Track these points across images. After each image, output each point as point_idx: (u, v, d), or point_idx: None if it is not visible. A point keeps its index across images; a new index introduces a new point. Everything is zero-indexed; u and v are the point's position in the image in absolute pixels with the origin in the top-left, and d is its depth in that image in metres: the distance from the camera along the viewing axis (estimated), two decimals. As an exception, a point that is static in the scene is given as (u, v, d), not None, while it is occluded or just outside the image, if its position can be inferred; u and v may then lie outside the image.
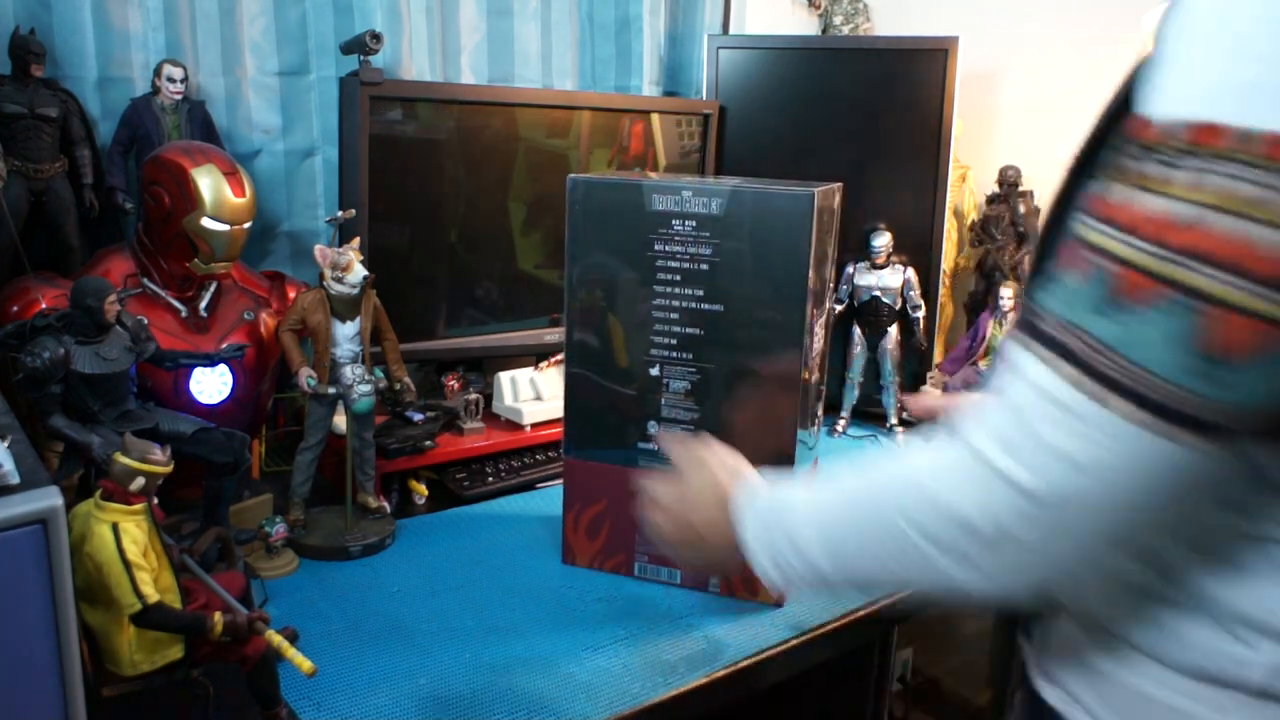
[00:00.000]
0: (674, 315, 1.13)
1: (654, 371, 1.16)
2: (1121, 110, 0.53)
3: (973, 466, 0.54)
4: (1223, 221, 0.44)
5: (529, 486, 1.49)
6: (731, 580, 1.17)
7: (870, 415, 1.80)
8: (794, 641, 1.09)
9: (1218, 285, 0.45)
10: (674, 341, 1.14)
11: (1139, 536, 0.55)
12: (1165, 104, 0.47)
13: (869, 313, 1.77)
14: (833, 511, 0.66)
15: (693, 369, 1.14)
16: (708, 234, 1.10)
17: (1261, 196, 0.43)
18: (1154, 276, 0.46)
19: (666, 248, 1.12)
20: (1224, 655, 0.56)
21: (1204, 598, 0.56)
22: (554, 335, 1.68)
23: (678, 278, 1.12)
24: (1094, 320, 0.49)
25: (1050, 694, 0.66)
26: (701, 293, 1.12)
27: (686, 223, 1.10)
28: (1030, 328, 0.52)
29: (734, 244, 1.09)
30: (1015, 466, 0.52)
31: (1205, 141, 0.45)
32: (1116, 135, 0.50)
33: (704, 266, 1.11)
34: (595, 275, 1.15)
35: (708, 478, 0.80)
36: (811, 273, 1.08)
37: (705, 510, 0.79)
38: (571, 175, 1.15)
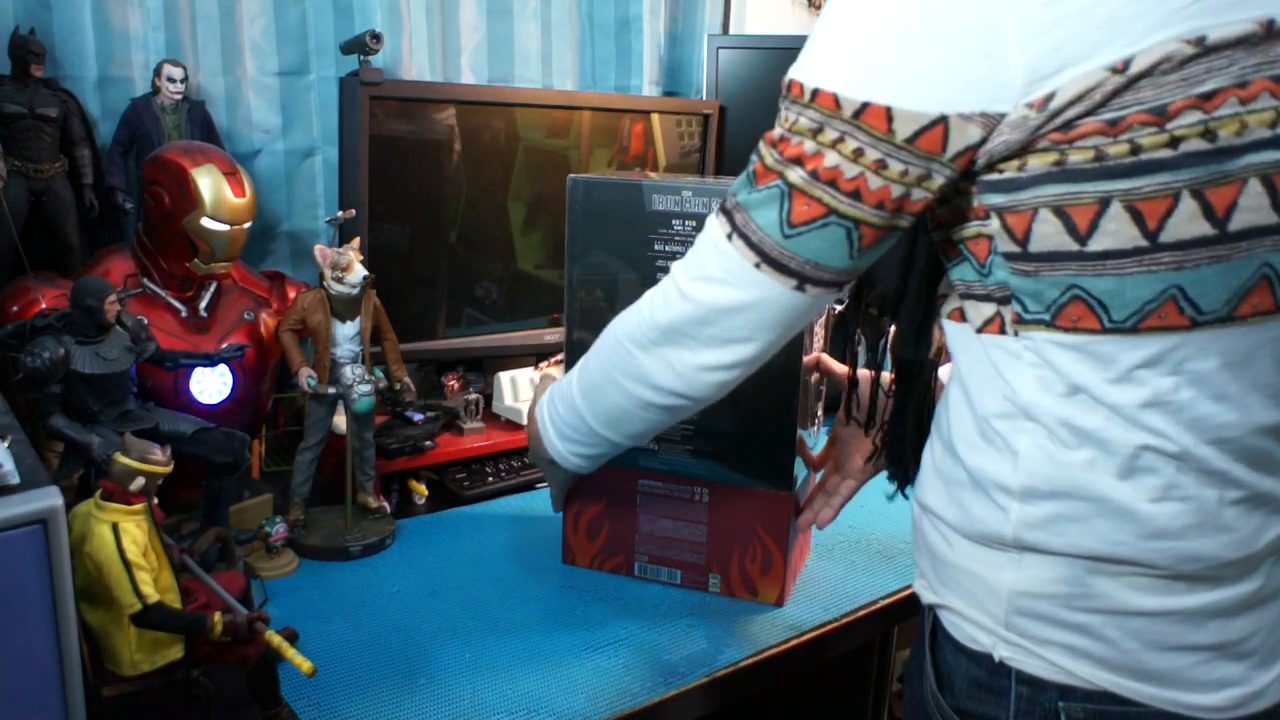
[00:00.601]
0: None
1: None
2: None
3: (668, 286, 0.81)
4: (795, 139, 0.70)
5: (529, 486, 1.49)
6: (731, 580, 1.17)
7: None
8: (794, 641, 1.09)
9: (795, 177, 0.70)
10: None
11: (767, 344, 0.79)
12: (792, 66, 0.71)
13: (869, 314, 1.77)
14: (587, 357, 0.92)
15: None
16: None
17: (811, 126, 0.69)
18: (769, 169, 0.72)
19: (667, 248, 1.12)
20: (991, 520, 0.72)
21: (976, 474, 0.73)
22: (554, 335, 1.68)
23: None
24: (741, 190, 0.74)
25: (917, 583, 0.82)
26: None
27: (687, 223, 1.10)
28: (723, 199, 0.77)
29: None
30: (689, 283, 0.78)
31: (792, 92, 0.70)
32: None
33: None
34: (595, 275, 1.15)
35: (533, 400, 1.06)
36: None
37: (530, 426, 1.04)
38: (571, 175, 1.14)
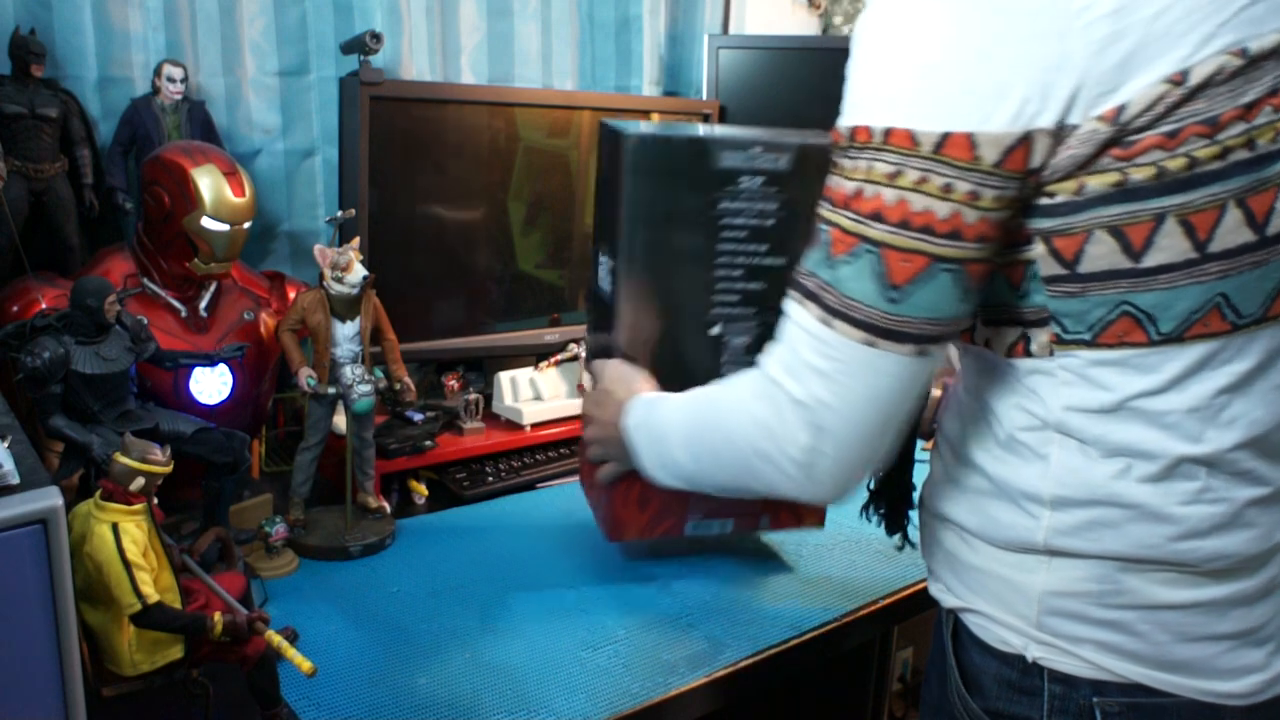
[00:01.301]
0: (737, 273, 1.09)
1: (714, 331, 1.11)
2: None
3: (768, 388, 0.74)
4: (870, 190, 0.65)
5: (529, 486, 1.49)
6: (780, 516, 1.19)
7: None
8: (794, 641, 1.09)
9: (882, 234, 0.65)
10: (736, 299, 1.11)
11: (889, 429, 0.72)
12: (843, 115, 0.68)
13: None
14: (693, 431, 0.86)
15: (754, 323, 1.12)
16: (775, 189, 1.07)
17: (888, 171, 0.64)
18: (849, 233, 0.67)
19: (733, 204, 1.07)
20: (1020, 526, 0.72)
21: (1000, 483, 0.73)
22: (554, 335, 1.68)
23: (743, 234, 1.09)
24: (821, 268, 0.69)
25: (934, 588, 0.83)
26: (765, 248, 1.09)
27: (755, 179, 1.07)
28: (794, 282, 0.72)
29: (801, 196, 1.07)
30: (791, 383, 0.72)
31: (857, 138, 0.66)
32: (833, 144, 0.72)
33: (770, 222, 1.08)
34: (654, 240, 1.08)
35: (606, 388, 1.04)
36: None
37: (612, 432, 1.00)
38: (631, 129, 1.06)
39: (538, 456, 1.54)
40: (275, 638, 0.86)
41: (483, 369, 1.70)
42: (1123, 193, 0.63)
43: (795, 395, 0.71)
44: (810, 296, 0.70)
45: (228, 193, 1.21)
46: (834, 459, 0.72)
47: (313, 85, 1.59)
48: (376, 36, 1.38)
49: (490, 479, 1.47)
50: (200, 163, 1.21)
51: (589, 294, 1.17)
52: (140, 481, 0.82)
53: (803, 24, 2.23)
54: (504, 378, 1.59)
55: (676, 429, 0.89)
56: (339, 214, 1.32)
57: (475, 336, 1.63)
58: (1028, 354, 0.70)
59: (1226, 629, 0.70)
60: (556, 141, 1.65)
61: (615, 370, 1.07)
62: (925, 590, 1.22)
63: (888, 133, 0.64)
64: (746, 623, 1.12)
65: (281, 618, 1.06)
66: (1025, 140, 0.62)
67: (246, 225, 1.24)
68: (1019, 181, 0.64)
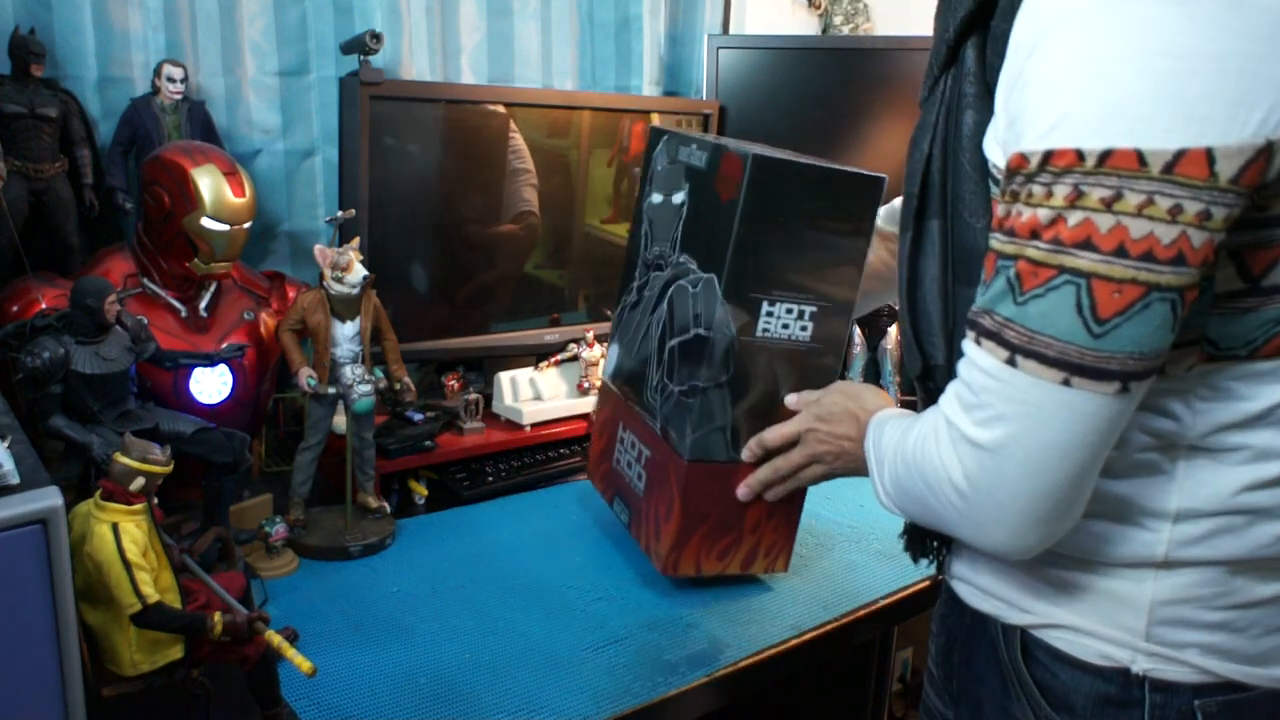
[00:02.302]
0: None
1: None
2: (957, 154, 0.74)
3: (945, 429, 0.70)
4: (1075, 217, 0.60)
5: (529, 486, 1.49)
6: None
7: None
8: (794, 641, 1.09)
9: (1091, 263, 0.60)
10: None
11: (1085, 477, 0.66)
12: (1027, 140, 0.62)
13: (868, 314, 1.77)
14: (894, 464, 0.80)
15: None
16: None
17: (1106, 195, 0.59)
18: (1043, 264, 0.61)
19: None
20: (1137, 542, 0.70)
21: (1113, 504, 0.70)
22: (554, 335, 1.68)
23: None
24: (1001, 303, 0.64)
25: (990, 605, 0.79)
26: None
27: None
28: (969, 321, 0.68)
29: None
30: (969, 424, 0.67)
31: (1058, 162, 0.60)
32: (1006, 169, 0.65)
33: None
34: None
35: (842, 404, 0.99)
36: None
37: (842, 429, 0.98)
38: (874, 174, 1.10)
39: (538, 456, 1.54)
40: (275, 638, 0.86)
41: (483, 369, 1.70)
42: None
43: (977, 439, 0.66)
44: (989, 335, 0.65)
45: (228, 193, 1.21)
46: (1010, 508, 0.67)
47: (313, 85, 1.59)
48: (376, 36, 1.38)
49: (490, 479, 1.47)
50: (200, 163, 1.21)
51: (728, 349, 1.06)
52: (140, 481, 0.82)
53: (803, 24, 2.24)
54: (504, 378, 1.58)
55: (887, 459, 0.83)
56: (339, 214, 1.32)
57: (475, 336, 1.63)
58: (1160, 373, 0.66)
59: None
60: (556, 141, 1.65)
61: (843, 388, 1.03)
62: (925, 590, 1.23)
63: (1106, 154, 0.58)
64: (746, 623, 1.12)
65: (281, 618, 1.06)
66: (1266, 151, 0.57)
67: (246, 225, 1.24)
68: (1247, 196, 0.59)
